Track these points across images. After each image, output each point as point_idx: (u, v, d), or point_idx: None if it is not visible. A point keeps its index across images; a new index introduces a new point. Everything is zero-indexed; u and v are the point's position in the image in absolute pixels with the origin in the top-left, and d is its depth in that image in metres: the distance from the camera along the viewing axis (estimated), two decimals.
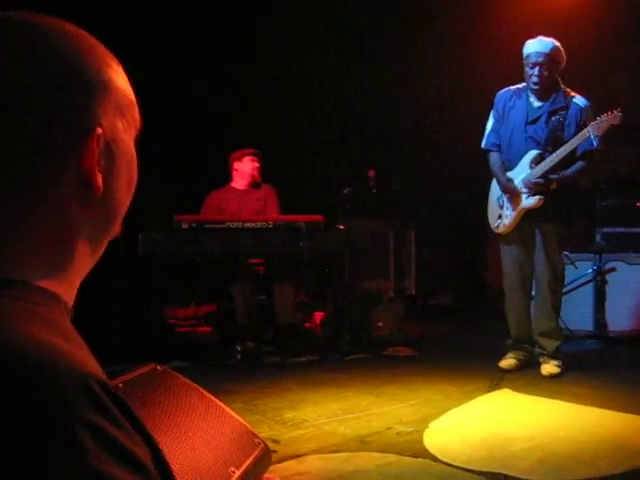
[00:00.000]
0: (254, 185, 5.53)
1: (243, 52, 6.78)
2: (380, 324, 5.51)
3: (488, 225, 4.72)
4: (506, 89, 4.55)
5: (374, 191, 5.49)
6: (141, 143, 0.79)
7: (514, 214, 4.43)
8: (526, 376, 4.41)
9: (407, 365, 4.85)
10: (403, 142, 7.29)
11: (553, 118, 4.27)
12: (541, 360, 4.47)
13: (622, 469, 2.74)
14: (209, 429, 2.07)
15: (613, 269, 5.60)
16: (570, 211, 4.54)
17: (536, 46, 4.25)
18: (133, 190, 0.79)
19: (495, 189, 4.64)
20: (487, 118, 4.63)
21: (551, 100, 4.33)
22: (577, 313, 5.62)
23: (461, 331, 6.22)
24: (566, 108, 4.28)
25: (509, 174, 4.46)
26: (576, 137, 4.15)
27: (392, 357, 5.12)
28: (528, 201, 4.32)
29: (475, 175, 7.84)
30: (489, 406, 3.73)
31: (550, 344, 4.47)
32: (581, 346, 5.39)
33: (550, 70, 4.25)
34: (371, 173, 5.48)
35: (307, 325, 5.63)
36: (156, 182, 5.61)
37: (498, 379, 4.24)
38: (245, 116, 6.79)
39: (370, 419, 3.46)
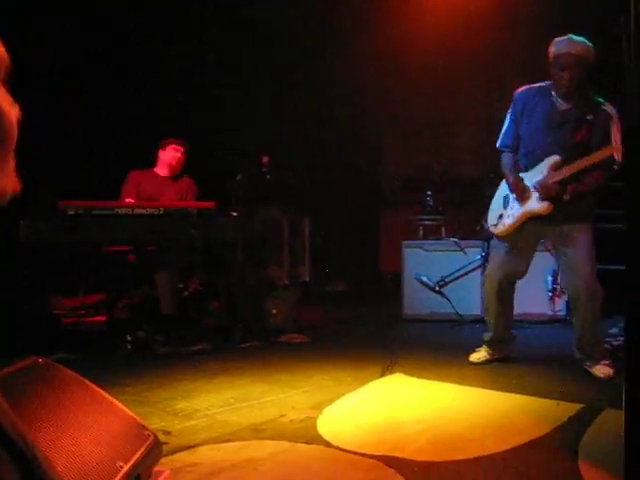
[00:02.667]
0: (175, 176, 5.48)
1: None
2: (274, 312, 5.48)
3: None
4: (527, 87, 4.24)
5: (268, 177, 5.44)
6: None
7: (518, 216, 4.19)
8: (418, 360, 4.50)
9: (301, 352, 4.86)
10: (297, 129, 7.27)
11: (580, 125, 3.97)
12: (588, 365, 4.16)
13: (507, 446, 2.83)
14: (95, 424, 1.98)
15: None
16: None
17: (567, 47, 3.92)
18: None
19: (503, 188, 4.39)
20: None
21: (579, 104, 4.02)
22: (466, 298, 5.81)
23: (354, 317, 6.29)
24: (594, 114, 3.96)
25: (522, 175, 4.18)
26: (602, 151, 3.86)
27: (286, 344, 5.12)
28: (537, 205, 4.07)
29: (369, 162, 7.97)
30: (382, 391, 3.79)
31: (597, 352, 4.17)
32: (470, 330, 5.56)
33: (581, 72, 3.92)
34: (264, 159, 5.44)
35: (200, 313, 5.52)
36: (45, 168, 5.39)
37: (391, 364, 4.30)
38: (143, 102, 6.57)
39: (263, 407, 3.43)
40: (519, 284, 5.72)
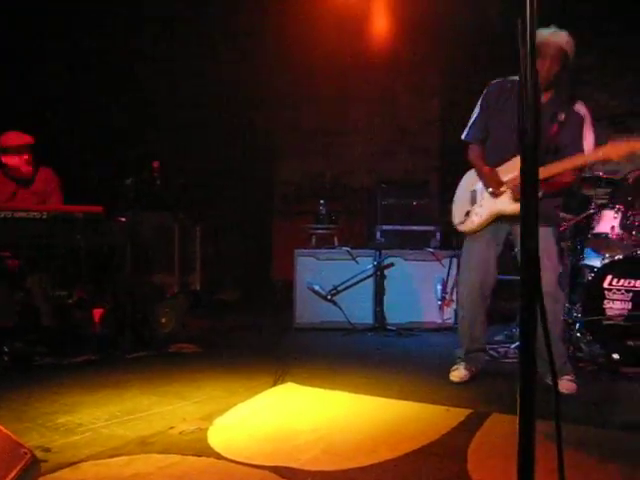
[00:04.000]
0: (27, 179, 5.16)
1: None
2: (163, 320, 5.33)
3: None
4: (501, 80, 4.03)
5: (158, 183, 5.29)
6: None
7: (487, 214, 3.98)
8: (310, 369, 4.48)
9: (191, 362, 4.73)
10: (189, 134, 7.13)
11: (552, 123, 3.80)
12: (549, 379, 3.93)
13: (399, 453, 2.84)
14: None
15: (391, 265, 5.89)
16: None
17: (550, 36, 3.75)
18: None
19: (469, 183, 4.15)
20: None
21: (553, 100, 3.88)
22: (358, 307, 5.85)
23: (246, 326, 6.20)
24: (566, 114, 3.81)
25: None
26: (575, 158, 3.71)
27: (176, 354, 4.97)
28: (509, 206, 3.87)
29: (261, 170, 7.92)
30: (274, 400, 3.73)
31: (559, 358, 3.92)
32: (362, 339, 5.60)
33: (560, 65, 3.79)
34: (155, 164, 5.28)
35: (85, 322, 5.28)
36: None
37: (283, 373, 4.25)
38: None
39: (152, 419, 3.30)
40: (409, 293, 5.86)
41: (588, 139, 3.79)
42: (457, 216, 4.15)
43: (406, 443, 2.97)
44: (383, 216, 6.31)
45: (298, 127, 7.86)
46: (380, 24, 6.77)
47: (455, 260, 5.90)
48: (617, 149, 3.53)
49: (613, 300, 4.50)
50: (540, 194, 3.59)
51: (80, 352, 4.70)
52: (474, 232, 4.06)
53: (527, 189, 1.53)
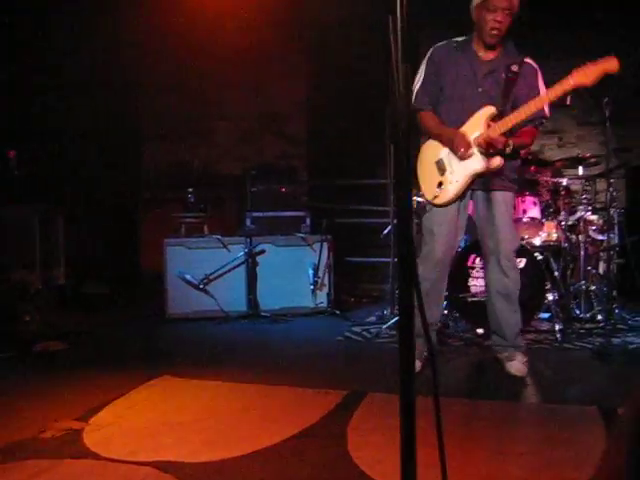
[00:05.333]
0: None
1: None
2: (27, 318, 5.06)
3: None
4: (445, 42, 3.88)
5: (16, 173, 5.01)
6: None
7: (464, 179, 3.74)
8: (185, 360, 4.42)
9: (60, 360, 4.52)
10: (52, 123, 6.78)
11: (509, 73, 3.63)
12: (504, 356, 3.93)
13: (280, 439, 2.87)
14: None
15: (263, 251, 5.90)
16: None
17: None
18: None
19: (430, 154, 3.88)
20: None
21: (503, 55, 3.76)
22: (231, 295, 5.81)
23: (116, 319, 6.00)
24: (519, 66, 3.64)
25: None
26: (536, 101, 3.50)
27: (42, 353, 4.73)
28: (484, 163, 3.66)
29: (126, 157, 7.68)
30: (150, 394, 3.64)
31: (513, 335, 3.92)
32: (236, 326, 5.58)
33: (510, 19, 3.66)
34: (11, 154, 4.99)
35: None
36: None
37: (157, 366, 4.16)
38: None
39: (21, 424, 3.13)
40: (282, 279, 5.89)
41: (543, 89, 3.67)
42: (428, 192, 3.85)
43: (287, 428, 3.00)
44: (253, 203, 6.30)
45: (164, 114, 7.67)
46: (245, 8, 6.72)
47: (326, 244, 6.00)
48: (587, 73, 3.35)
49: (477, 278, 4.74)
50: (509, 148, 3.59)
51: None
52: (453, 202, 3.79)
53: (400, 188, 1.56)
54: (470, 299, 4.75)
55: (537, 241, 4.99)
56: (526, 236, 4.96)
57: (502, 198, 3.80)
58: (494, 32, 3.67)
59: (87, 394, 3.61)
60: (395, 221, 5.33)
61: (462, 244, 4.95)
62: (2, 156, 5.01)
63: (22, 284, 5.52)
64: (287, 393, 3.61)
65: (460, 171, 3.74)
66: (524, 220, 4.99)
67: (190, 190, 6.45)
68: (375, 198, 6.52)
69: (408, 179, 1.70)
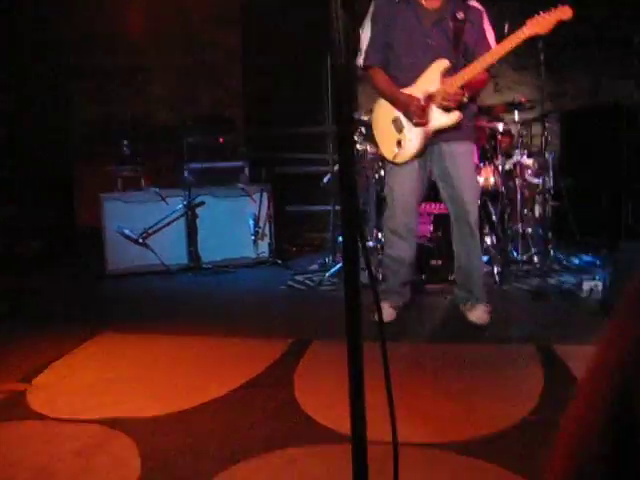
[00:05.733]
0: None
1: None
2: None
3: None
4: None
5: None
6: None
7: (424, 135, 3.63)
8: (127, 316, 4.37)
9: None
10: None
11: (456, 22, 3.53)
12: (467, 306, 3.86)
13: (228, 389, 2.88)
14: None
15: (202, 203, 5.82)
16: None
17: None
18: None
19: (386, 112, 3.75)
20: None
21: (446, 2, 3.59)
22: (171, 248, 5.73)
23: (53, 279, 5.86)
24: (464, 11, 3.54)
25: (407, 90, 3.63)
26: (491, 54, 3.42)
27: None
28: (444, 118, 3.57)
29: (55, 111, 7.42)
30: (92, 352, 3.59)
31: (477, 286, 3.85)
32: (178, 280, 5.52)
33: None
34: None
35: None
36: None
37: (99, 323, 4.10)
38: None
39: None
40: (222, 231, 5.84)
41: (489, 33, 3.62)
42: (387, 151, 3.75)
43: (233, 379, 3.01)
44: (190, 154, 6.18)
45: (95, 66, 7.40)
46: None
47: (266, 194, 5.95)
48: (542, 23, 3.30)
49: (418, 223, 4.78)
50: (465, 98, 3.53)
51: None
52: (413, 159, 3.70)
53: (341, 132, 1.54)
54: None
55: None
56: None
57: (463, 149, 3.71)
58: None
59: (28, 356, 3.53)
60: (336, 168, 5.32)
61: None
62: None
63: None
64: (232, 344, 3.61)
65: (420, 129, 3.64)
66: None
67: (125, 143, 6.28)
68: (315, 146, 6.48)
69: (349, 124, 1.68)
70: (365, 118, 4.82)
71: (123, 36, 7.23)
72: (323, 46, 3.61)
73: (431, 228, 4.71)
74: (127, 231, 5.68)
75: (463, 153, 3.72)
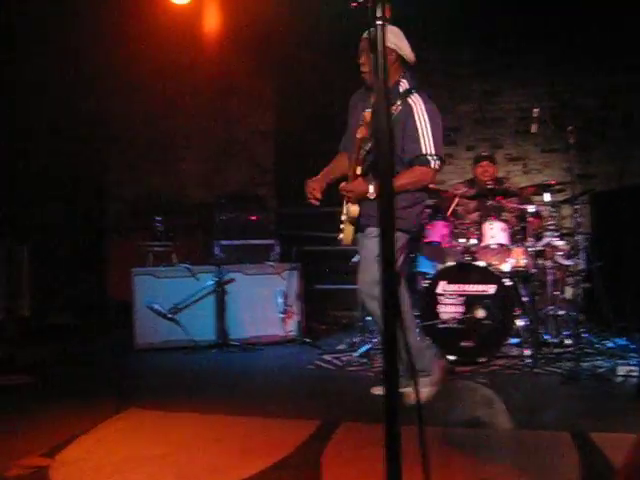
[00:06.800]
0: None
1: None
2: None
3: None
4: (361, 89, 3.93)
5: None
6: None
7: (347, 221, 3.85)
8: (153, 392, 4.34)
9: (23, 394, 4.40)
10: (13, 152, 6.68)
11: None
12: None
13: (255, 470, 2.81)
14: None
15: (232, 280, 5.86)
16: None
17: (366, 33, 3.60)
18: None
19: None
20: None
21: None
22: (200, 324, 5.75)
23: (82, 351, 5.89)
24: (396, 108, 3.61)
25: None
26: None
27: (5, 387, 4.60)
28: (350, 208, 3.78)
29: (91, 187, 7.60)
30: (119, 428, 3.56)
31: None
32: (206, 356, 5.51)
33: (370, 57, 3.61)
34: None
35: None
36: None
37: (125, 398, 4.07)
38: None
39: None
40: (251, 308, 5.85)
41: (417, 125, 3.63)
42: (340, 231, 3.97)
43: (261, 460, 2.94)
44: (221, 231, 6.26)
45: (129, 142, 7.62)
46: (211, 37, 6.74)
47: (296, 272, 5.98)
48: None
49: (446, 304, 4.75)
50: (373, 195, 3.56)
51: None
52: (349, 243, 3.90)
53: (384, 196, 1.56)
54: (440, 326, 4.76)
55: (506, 267, 5.03)
56: (495, 262, 5.00)
57: (367, 232, 3.79)
58: (362, 75, 3.75)
59: (53, 429, 3.52)
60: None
61: (432, 271, 4.98)
62: None
63: None
64: (259, 423, 3.56)
65: (346, 215, 3.84)
66: (492, 247, 5.03)
67: (158, 219, 6.39)
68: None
69: (390, 203, 1.69)
70: None
71: (160, 114, 7.45)
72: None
73: (462, 309, 4.67)
74: (157, 306, 5.72)
75: (367, 235, 3.78)
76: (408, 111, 3.66)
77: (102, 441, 3.34)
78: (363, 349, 5.09)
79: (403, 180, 3.65)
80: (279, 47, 7.03)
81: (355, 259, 5.65)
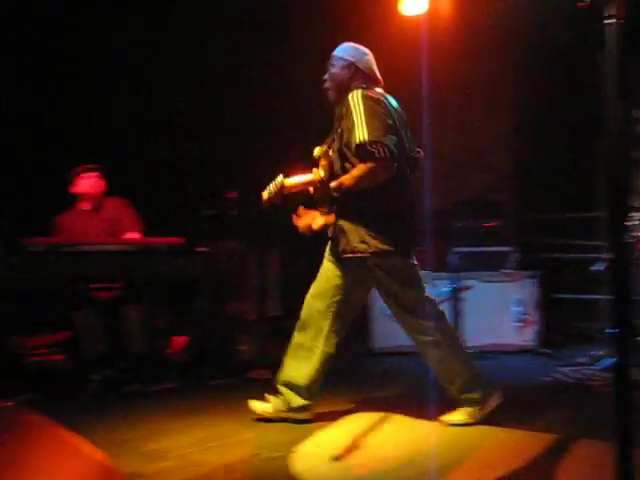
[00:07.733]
0: (97, 204, 5.19)
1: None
2: (243, 347, 5.40)
3: None
4: None
5: (235, 213, 5.40)
6: None
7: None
8: (396, 394, 4.45)
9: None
10: (263, 167, 7.19)
11: (336, 118, 3.66)
12: None
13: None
14: (61, 470, 1.90)
15: (468, 287, 5.83)
16: None
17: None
18: None
19: None
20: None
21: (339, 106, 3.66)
22: None
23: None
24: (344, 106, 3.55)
25: None
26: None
27: (255, 380, 4.98)
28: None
29: None
30: (357, 426, 3.69)
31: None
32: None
33: (336, 72, 3.70)
34: (230, 195, 5.41)
35: (168, 351, 5.41)
36: None
37: (364, 398, 4.24)
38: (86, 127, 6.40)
39: (236, 446, 3.35)
40: (487, 314, 5.77)
41: (348, 125, 3.47)
42: None
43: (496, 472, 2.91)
44: (458, 238, 6.25)
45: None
46: (446, 45, 6.75)
47: (534, 280, 5.82)
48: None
49: None
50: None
51: (163, 380, 4.81)
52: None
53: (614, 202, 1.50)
54: None
55: None
56: None
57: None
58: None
59: (293, 423, 3.74)
60: (608, 256, 5.04)
61: None
62: (220, 196, 5.41)
63: (239, 315, 5.91)
64: (501, 435, 3.50)
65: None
66: None
67: None
68: (580, 232, 6.20)
69: (624, 212, 1.63)
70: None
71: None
72: (595, 133, 3.53)
73: None
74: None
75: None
76: (346, 106, 3.49)
77: (339, 437, 3.50)
78: (606, 363, 4.79)
79: (346, 181, 3.48)
80: (515, 51, 6.87)
81: (595, 267, 5.37)
